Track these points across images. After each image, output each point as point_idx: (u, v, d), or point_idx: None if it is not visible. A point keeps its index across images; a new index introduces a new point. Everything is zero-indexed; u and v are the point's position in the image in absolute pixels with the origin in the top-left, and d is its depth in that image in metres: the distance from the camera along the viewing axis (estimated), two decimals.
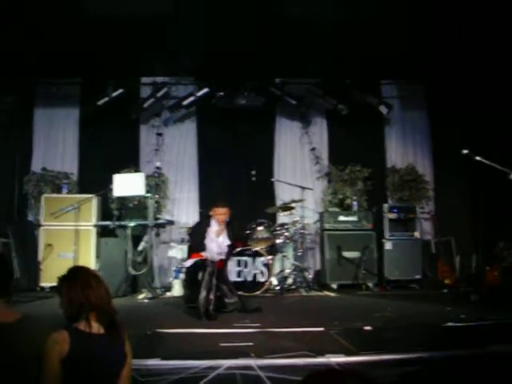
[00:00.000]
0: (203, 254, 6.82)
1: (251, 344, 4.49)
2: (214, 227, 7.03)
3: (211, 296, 6.37)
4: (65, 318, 2.86)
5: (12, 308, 2.88)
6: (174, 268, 9.15)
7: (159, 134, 10.82)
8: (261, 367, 3.78)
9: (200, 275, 6.56)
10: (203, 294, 6.32)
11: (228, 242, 7.08)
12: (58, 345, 2.67)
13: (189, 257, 7.22)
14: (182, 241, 9.48)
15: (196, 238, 7.19)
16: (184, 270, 7.70)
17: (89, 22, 8.31)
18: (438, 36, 8.69)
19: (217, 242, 6.96)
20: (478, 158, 6.78)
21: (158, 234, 9.63)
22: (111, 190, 8.86)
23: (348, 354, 4.06)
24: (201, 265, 6.68)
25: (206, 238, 6.94)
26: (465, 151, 6.88)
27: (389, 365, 3.90)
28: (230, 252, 7.42)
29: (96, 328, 2.80)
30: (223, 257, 7.06)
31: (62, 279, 2.94)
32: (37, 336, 2.69)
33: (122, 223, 8.60)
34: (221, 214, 7.07)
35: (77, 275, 2.94)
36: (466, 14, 7.96)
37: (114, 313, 2.92)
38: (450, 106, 10.25)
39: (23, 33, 8.45)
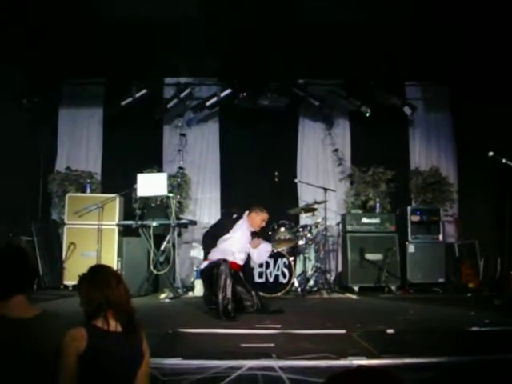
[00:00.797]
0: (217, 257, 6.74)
1: (272, 345, 4.47)
2: (245, 232, 7.00)
3: (228, 295, 6.27)
4: (84, 316, 2.88)
5: (33, 305, 2.90)
6: (196, 268, 9.19)
7: (182, 135, 10.87)
8: (282, 368, 3.76)
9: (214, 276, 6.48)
10: (219, 294, 6.25)
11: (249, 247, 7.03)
12: (76, 341, 2.68)
13: (205, 259, 7.13)
14: None
15: (208, 241, 7.12)
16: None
17: (113, 23, 8.41)
18: (462, 37, 8.61)
19: (240, 243, 6.91)
20: (504, 160, 6.69)
21: (180, 234, 9.65)
22: (135, 189, 8.92)
23: (370, 356, 4.02)
24: (215, 265, 6.62)
25: (225, 242, 6.88)
26: (490, 154, 6.81)
27: (411, 368, 3.86)
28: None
29: (113, 326, 2.81)
30: (243, 261, 6.98)
31: (83, 277, 2.96)
32: (55, 332, 2.71)
33: (145, 223, 8.62)
34: (264, 219, 7.09)
35: (97, 274, 2.95)
36: (490, 14, 7.88)
37: (132, 312, 2.92)
38: (474, 108, 10.13)
39: (50, 34, 8.55)
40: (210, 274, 6.60)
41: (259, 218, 7.03)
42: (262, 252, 7.20)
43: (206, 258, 7.00)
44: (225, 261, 6.48)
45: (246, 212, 7.12)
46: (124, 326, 2.83)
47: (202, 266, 6.96)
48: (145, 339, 2.95)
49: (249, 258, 7.12)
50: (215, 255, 6.71)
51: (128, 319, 2.86)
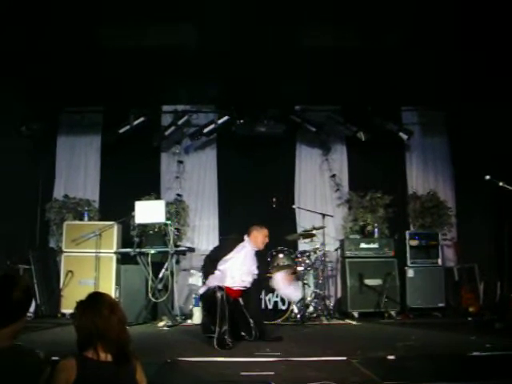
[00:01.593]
0: (228, 284, 6.64)
1: (272, 373, 4.42)
2: (248, 253, 6.88)
3: (224, 327, 6.16)
4: (76, 345, 2.85)
5: (20, 336, 2.86)
6: (195, 295, 9.14)
7: (180, 162, 10.90)
8: None
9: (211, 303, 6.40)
10: (216, 327, 6.15)
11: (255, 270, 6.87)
12: (65, 372, 2.66)
13: (204, 283, 7.02)
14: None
15: (208, 264, 6.96)
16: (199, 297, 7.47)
17: (112, 51, 8.49)
18: (458, 61, 8.69)
19: (245, 265, 6.79)
20: (501, 183, 6.70)
21: (178, 262, 9.60)
22: (133, 216, 8.91)
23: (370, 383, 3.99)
24: (213, 292, 6.51)
25: (226, 262, 6.75)
26: (487, 177, 6.82)
27: None
28: (259, 282, 7.09)
29: (104, 356, 2.78)
30: (247, 284, 6.78)
31: (78, 305, 2.93)
32: (22, 367, 2.64)
33: (143, 250, 8.60)
34: (265, 235, 7.05)
35: (90, 302, 2.92)
36: (485, 40, 7.96)
37: (124, 342, 2.86)
38: (471, 132, 10.18)
39: (49, 63, 8.63)
40: (207, 300, 6.55)
41: (261, 234, 6.99)
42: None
43: (204, 282, 6.92)
44: (220, 288, 6.36)
45: (246, 234, 7.06)
46: (115, 357, 2.79)
47: (201, 291, 6.87)
48: (139, 369, 2.91)
49: (258, 283, 6.96)
50: (212, 281, 6.60)
51: (118, 350, 2.81)
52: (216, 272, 6.71)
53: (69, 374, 2.66)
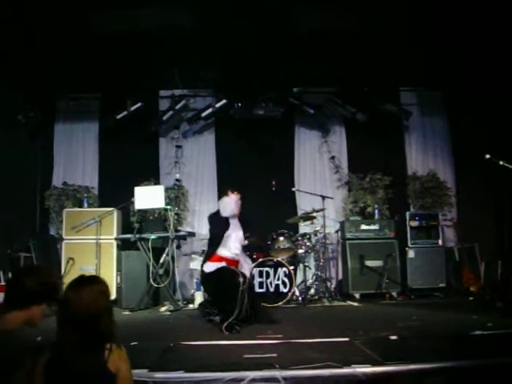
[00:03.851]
0: (224, 254, 6.66)
1: (275, 355, 4.43)
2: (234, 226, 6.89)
3: (243, 312, 6.23)
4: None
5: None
6: (196, 280, 9.15)
7: (178, 147, 10.87)
8: (286, 378, 3.73)
9: (228, 286, 6.38)
10: (236, 309, 6.15)
11: (242, 239, 6.94)
12: (40, 363, 2.73)
13: (207, 257, 6.88)
14: (203, 252, 9.45)
15: (217, 230, 6.86)
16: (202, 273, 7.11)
17: (108, 37, 8.42)
18: (455, 40, 8.64)
19: (236, 235, 6.82)
20: (501, 162, 6.68)
21: (179, 246, 9.60)
22: (132, 202, 8.91)
23: (374, 364, 3.99)
24: (226, 273, 6.48)
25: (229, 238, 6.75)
26: (487, 156, 6.80)
27: (415, 375, 3.83)
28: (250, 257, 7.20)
29: (68, 343, 2.76)
30: (238, 251, 6.84)
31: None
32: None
33: (143, 236, 8.59)
34: (236, 201, 7.00)
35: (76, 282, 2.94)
36: (484, 19, 7.91)
37: (96, 327, 2.80)
38: (470, 111, 10.17)
39: (45, 50, 8.57)
40: (217, 282, 6.55)
41: (232, 200, 7.05)
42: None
43: (209, 255, 6.86)
44: (243, 274, 6.47)
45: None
46: (76, 344, 2.76)
47: (208, 269, 6.76)
48: (118, 357, 2.83)
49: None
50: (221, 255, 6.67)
51: (86, 335, 2.77)
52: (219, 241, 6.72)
53: (41, 366, 2.72)
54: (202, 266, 6.96)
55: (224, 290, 6.48)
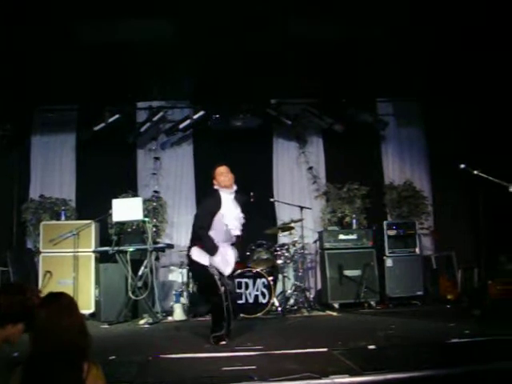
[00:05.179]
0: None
1: (254, 367, 4.43)
2: (226, 200, 6.25)
3: (227, 323, 6.01)
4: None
5: None
6: (175, 292, 9.12)
7: (156, 158, 10.84)
8: None
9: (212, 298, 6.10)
10: (224, 320, 5.98)
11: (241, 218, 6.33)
12: (14, 380, 2.68)
13: (193, 241, 6.35)
14: (182, 264, 9.44)
15: (205, 211, 6.34)
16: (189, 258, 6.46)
17: (85, 48, 8.40)
18: (431, 53, 8.76)
19: (234, 213, 6.28)
20: (475, 171, 6.77)
21: (157, 258, 9.57)
22: (110, 215, 8.85)
23: (352, 374, 4.01)
24: (209, 283, 6.05)
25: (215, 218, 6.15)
26: (462, 166, 6.89)
27: None
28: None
29: (45, 360, 2.71)
30: (238, 232, 6.32)
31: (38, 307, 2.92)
32: None
33: (121, 248, 8.54)
34: (221, 172, 6.32)
35: (46, 303, 2.89)
36: (460, 30, 8.03)
37: (68, 347, 2.74)
38: (445, 121, 10.30)
39: (21, 61, 8.52)
40: (200, 278, 6.41)
41: (218, 175, 6.34)
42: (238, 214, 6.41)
43: (194, 241, 6.34)
44: (217, 269, 6.04)
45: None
46: (53, 360, 2.70)
47: (195, 256, 6.20)
48: (94, 374, 2.77)
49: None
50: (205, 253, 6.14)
51: (57, 354, 2.71)
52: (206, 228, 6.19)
53: (16, 382, 2.67)
54: (188, 249, 6.47)
55: (208, 299, 6.33)
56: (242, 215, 6.37)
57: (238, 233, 6.34)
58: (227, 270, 6.16)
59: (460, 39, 8.28)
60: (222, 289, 5.99)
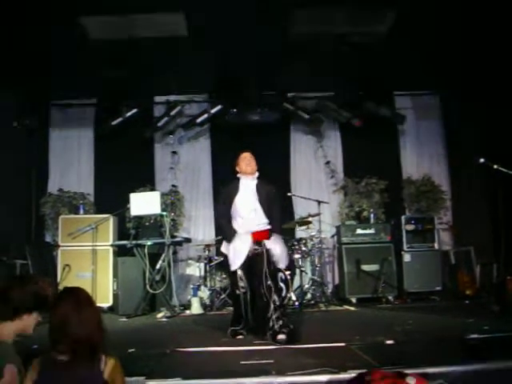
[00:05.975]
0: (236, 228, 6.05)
1: (272, 361, 4.43)
2: (245, 188, 6.18)
3: (250, 322, 6.03)
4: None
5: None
6: (192, 286, 9.16)
7: (174, 152, 10.88)
8: None
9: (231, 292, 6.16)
10: (242, 318, 6.04)
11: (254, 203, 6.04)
12: (31, 371, 2.73)
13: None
14: (200, 258, 9.48)
15: (223, 199, 6.27)
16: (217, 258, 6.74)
17: (102, 44, 8.42)
18: (450, 43, 8.66)
19: (248, 202, 6.10)
20: (495, 166, 6.70)
21: (175, 252, 9.61)
22: (128, 209, 8.89)
23: (370, 369, 3.99)
24: (230, 278, 6.11)
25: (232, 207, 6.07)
26: (481, 160, 6.82)
27: None
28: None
29: (62, 353, 2.76)
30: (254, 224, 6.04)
31: (52, 302, 2.96)
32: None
33: (139, 242, 8.58)
34: (243, 158, 6.33)
35: (62, 298, 2.93)
36: (478, 22, 7.94)
37: (85, 340, 2.79)
38: (465, 115, 10.20)
39: (40, 56, 8.56)
40: (227, 268, 6.21)
41: (240, 161, 6.38)
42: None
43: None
44: (240, 286, 5.95)
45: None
46: (70, 354, 2.76)
47: (222, 248, 6.24)
48: (113, 369, 2.82)
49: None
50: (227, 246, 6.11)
51: (75, 347, 2.76)
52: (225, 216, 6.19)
53: (33, 374, 2.72)
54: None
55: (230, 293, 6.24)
56: (257, 206, 6.09)
57: (259, 224, 6.06)
58: (235, 264, 5.98)
59: (479, 32, 8.17)
60: (241, 284, 5.96)
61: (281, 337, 5.42)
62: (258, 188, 6.23)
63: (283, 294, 5.80)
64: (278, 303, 5.71)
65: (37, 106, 10.25)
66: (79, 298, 2.92)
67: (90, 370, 2.77)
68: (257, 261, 5.90)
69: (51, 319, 2.84)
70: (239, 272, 5.96)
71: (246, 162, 6.32)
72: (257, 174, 6.36)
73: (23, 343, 3.03)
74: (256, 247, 5.95)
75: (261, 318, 5.84)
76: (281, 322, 5.59)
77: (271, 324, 5.60)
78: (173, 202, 10.53)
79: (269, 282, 5.75)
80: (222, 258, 7.84)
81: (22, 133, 9.96)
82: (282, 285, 5.94)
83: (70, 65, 8.90)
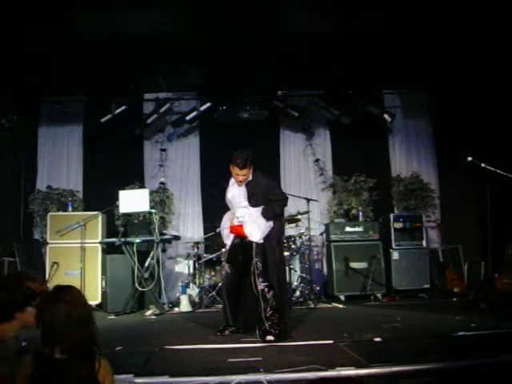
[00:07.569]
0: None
1: (260, 359, 4.45)
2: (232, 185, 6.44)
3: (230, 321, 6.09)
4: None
5: None
6: (181, 283, 9.16)
7: (163, 150, 10.85)
8: (270, 382, 3.74)
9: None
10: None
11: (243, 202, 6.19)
12: (24, 367, 2.68)
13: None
14: (189, 256, 9.47)
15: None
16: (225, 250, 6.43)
17: (92, 40, 8.36)
18: (438, 44, 8.70)
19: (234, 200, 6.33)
20: (483, 164, 6.74)
21: (164, 250, 9.58)
22: (117, 206, 8.86)
23: (358, 366, 4.02)
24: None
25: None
26: (469, 158, 6.85)
27: (400, 377, 3.86)
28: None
29: (60, 353, 2.73)
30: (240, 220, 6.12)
31: (40, 302, 2.93)
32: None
33: (128, 240, 8.56)
34: (232, 168, 6.37)
35: (52, 299, 2.90)
36: (466, 21, 7.97)
37: (82, 341, 2.76)
38: (453, 113, 10.23)
39: (27, 53, 8.51)
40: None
41: (232, 171, 6.45)
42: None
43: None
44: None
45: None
46: (70, 354, 2.73)
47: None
48: (105, 369, 2.80)
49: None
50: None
51: (75, 348, 2.74)
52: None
53: (27, 370, 2.68)
54: None
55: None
56: (245, 204, 6.26)
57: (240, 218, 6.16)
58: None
59: (467, 31, 8.21)
60: (224, 281, 6.17)
61: (269, 338, 5.45)
62: (249, 189, 6.38)
63: (276, 291, 5.72)
64: (272, 302, 5.66)
65: (25, 102, 10.18)
66: (73, 296, 2.87)
67: (86, 370, 2.75)
68: (245, 255, 5.94)
69: (45, 318, 2.81)
70: (226, 266, 6.13)
71: (235, 174, 6.44)
72: (250, 178, 6.50)
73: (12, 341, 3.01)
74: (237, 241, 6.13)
75: (252, 314, 5.89)
76: (270, 322, 5.57)
77: (262, 323, 5.61)
78: (162, 199, 10.52)
79: (260, 279, 5.72)
80: (210, 256, 8.09)
81: (10, 130, 9.88)
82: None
83: (59, 61, 8.84)
